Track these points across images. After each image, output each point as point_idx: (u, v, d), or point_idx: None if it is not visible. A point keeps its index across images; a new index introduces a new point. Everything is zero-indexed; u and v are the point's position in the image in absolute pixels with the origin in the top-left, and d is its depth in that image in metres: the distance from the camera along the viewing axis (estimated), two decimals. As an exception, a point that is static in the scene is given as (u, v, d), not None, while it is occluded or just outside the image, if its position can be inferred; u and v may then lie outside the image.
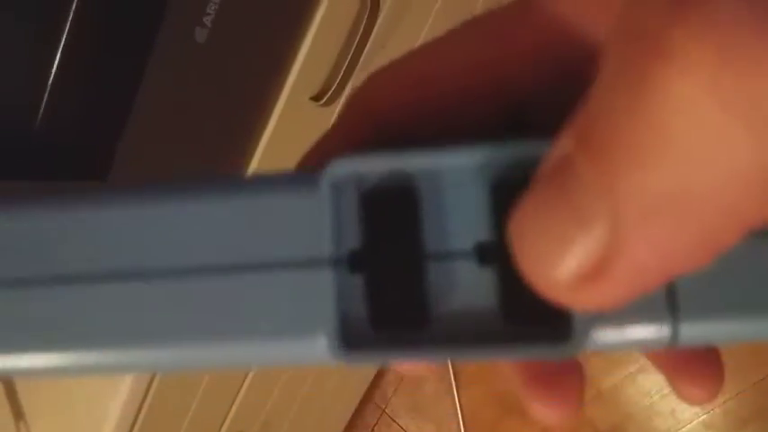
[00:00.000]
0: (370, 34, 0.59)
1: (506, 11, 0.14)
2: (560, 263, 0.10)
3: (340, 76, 0.59)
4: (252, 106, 0.55)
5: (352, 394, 1.12)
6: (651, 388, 1.01)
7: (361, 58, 0.60)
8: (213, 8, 0.50)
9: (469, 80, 0.14)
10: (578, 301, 0.10)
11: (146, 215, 0.13)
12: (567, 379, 0.18)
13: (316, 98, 0.60)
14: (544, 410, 0.17)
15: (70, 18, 0.40)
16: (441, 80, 0.14)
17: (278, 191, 0.13)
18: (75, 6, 0.40)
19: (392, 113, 0.14)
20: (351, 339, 0.12)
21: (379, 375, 1.16)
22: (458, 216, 0.12)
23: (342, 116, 0.15)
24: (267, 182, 0.13)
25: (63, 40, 0.40)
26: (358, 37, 0.59)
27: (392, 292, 0.12)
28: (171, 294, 0.12)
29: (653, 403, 1.00)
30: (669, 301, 0.12)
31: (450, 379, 1.13)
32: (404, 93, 0.14)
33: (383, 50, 0.63)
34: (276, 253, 0.12)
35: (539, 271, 0.10)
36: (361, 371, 1.09)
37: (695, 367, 0.17)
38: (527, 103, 0.14)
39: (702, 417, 0.97)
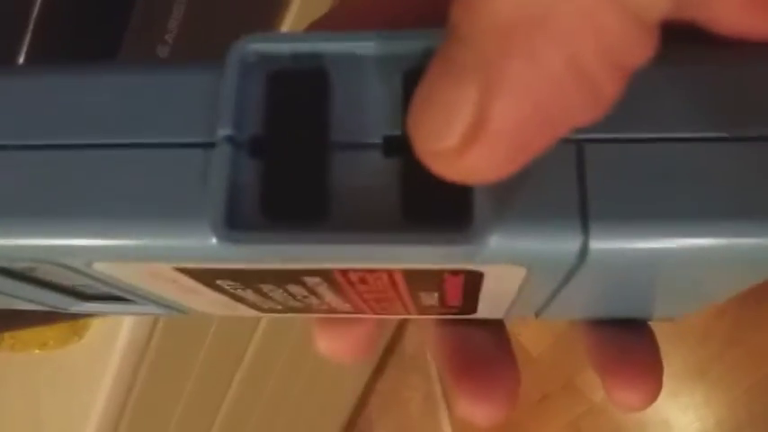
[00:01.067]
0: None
1: None
2: (443, 130, 0.10)
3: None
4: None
5: (336, 419, 1.10)
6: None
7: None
8: (175, 24, 0.49)
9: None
10: (464, 168, 0.10)
11: (32, 88, 0.12)
12: (500, 373, 0.17)
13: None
14: (470, 408, 0.16)
15: (27, 41, 0.39)
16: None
17: (184, 71, 0.12)
18: (33, 29, 0.39)
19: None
20: (239, 222, 0.11)
21: (364, 399, 1.15)
22: (368, 108, 0.12)
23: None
24: (175, 64, 0.12)
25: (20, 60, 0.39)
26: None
27: (291, 180, 0.11)
28: (38, 170, 0.12)
29: (646, 414, 0.99)
30: (580, 204, 0.11)
31: (437, 399, 1.12)
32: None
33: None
34: (170, 131, 0.12)
35: (425, 145, 0.10)
36: (344, 394, 1.08)
37: (630, 369, 0.16)
38: None
39: (695, 424, 0.96)
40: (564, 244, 0.11)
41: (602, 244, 0.11)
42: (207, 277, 0.13)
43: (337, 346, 0.18)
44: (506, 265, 0.12)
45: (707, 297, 0.15)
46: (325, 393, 0.98)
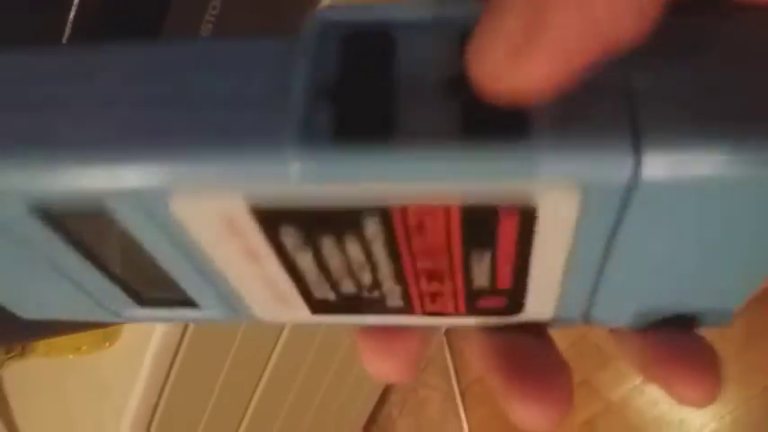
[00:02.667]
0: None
1: None
2: (493, 47, 0.11)
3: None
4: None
5: (356, 417, 1.11)
6: (659, 398, 1.00)
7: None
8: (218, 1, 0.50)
9: None
10: (513, 82, 0.11)
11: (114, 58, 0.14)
12: (554, 376, 0.17)
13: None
14: (529, 413, 0.16)
15: (70, 21, 0.39)
16: None
17: (255, 41, 0.13)
18: (76, 9, 0.39)
19: None
20: (314, 141, 0.12)
21: (384, 397, 1.16)
22: (431, 61, 0.13)
23: None
24: (248, 37, 0.13)
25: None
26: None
27: (362, 110, 0.12)
28: (121, 109, 0.13)
29: (662, 413, 1.00)
30: (631, 120, 0.11)
31: (455, 399, 1.12)
32: None
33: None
34: (244, 83, 0.13)
35: (480, 67, 0.11)
36: (365, 392, 1.09)
37: (690, 367, 0.16)
38: None
39: (711, 425, 0.97)
40: (616, 156, 0.11)
41: (655, 157, 0.11)
42: (272, 222, 0.14)
43: (384, 365, 0.17)
44: (560, 191, 0.12)
45: (753, 270, 0.15)
46: (348, 391, 0.99)
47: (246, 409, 0.74)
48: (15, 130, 0.13)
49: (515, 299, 0.16)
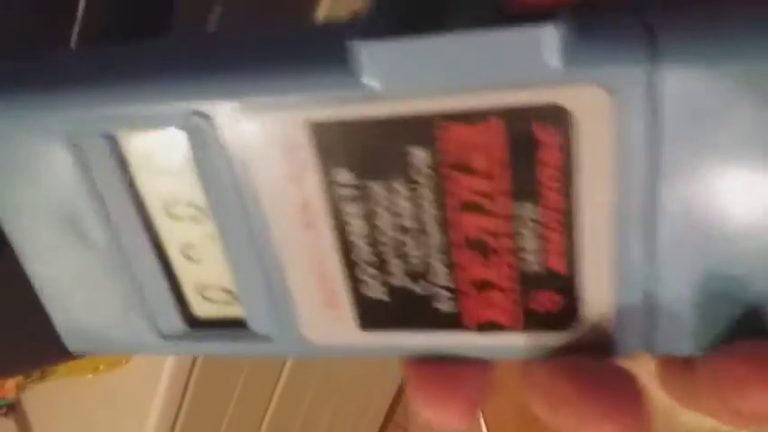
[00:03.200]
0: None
1: None
2: None
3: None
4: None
5: (375, 413, 1.12)
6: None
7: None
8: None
9: None
10: None
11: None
12: (623, 389, 0.15)
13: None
14: (608, 427, 0.14)
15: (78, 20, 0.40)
16: None
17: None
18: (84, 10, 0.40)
19: None
20: (374, 35, 0.13)
21: (399, 394, 1.17)
22: None
23: None
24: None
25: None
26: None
27: (415, 14, 0.13)
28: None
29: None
30: (645, 26, 0.12)
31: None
32: None
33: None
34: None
35: None
36: (383, 389, 1.10)
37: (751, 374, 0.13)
38: None
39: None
40: (632, 37, 0.12)
41: (670, 37, 0.12)
42: (330, 157, 0.14)
43: (444, 414, 0.16)
44: (587, 89, 0.12)
45: None
46: (365, 390, 1.00)
47: (263, 418, 0.75)
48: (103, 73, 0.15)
49: (569, 291, 0.15)
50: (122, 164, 0.16)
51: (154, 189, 0.16)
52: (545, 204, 0.14)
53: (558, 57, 0.12)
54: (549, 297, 0.15)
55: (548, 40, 0.12)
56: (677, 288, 0.14)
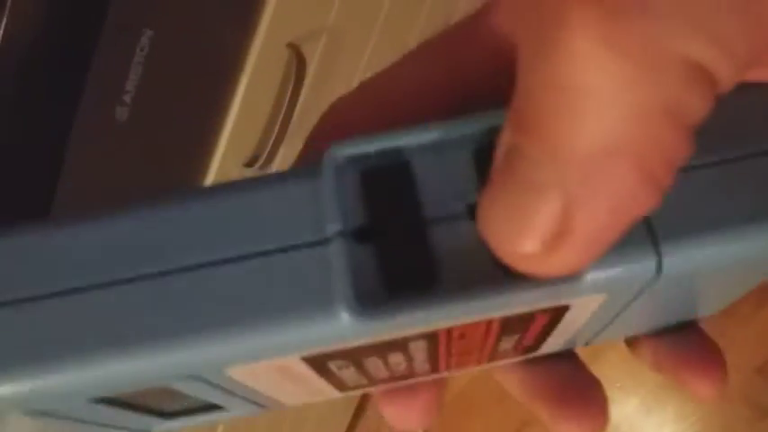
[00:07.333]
0: (300, 92, 0.58)
1: (454, 30, 0.15)
2: (524, 238, 0.11)
3: (272, 139, 0.58)
4: (183, 180, 0.53)
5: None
6: (621, 422, 1.01)
7: (293, 118, 0.59)
8: (132, 85, 0.48)
9: (424, 101, 0.15)
10: (547, 270, 0.11)
11: (138, 221, 0.13)
12: (589, 393, 0.19)
13: (249, 164, 0.59)
14: (574, 429, 0.18)
15: None
16: (397, 104, 0.15)
17: (278, 182, 0.13)
18: None
19: (358, 129, 0.14)
20: (366, 300, 0.12)
21: (354, 421, 1.14)
22: (449, 184, 0.13)
23: (309, 138, 0.16)
24: (266, 179, 0.13)
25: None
26: (288, 96, 0.58)
27: (400, 257, 0.13)
28: (173, 293, 0.13)
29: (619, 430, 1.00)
30: (648, 232, 0.13)
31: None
32: (366, 114, 0.15)
33: (316, 106, 0.63)
34: (282, 238, 0.13)
35: (508, 250, 0.11)
36: (337, 418, 1.07)
37: (699, 363, 0.18)
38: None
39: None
40: (641, 265, 0.13)
41: (672, 257, 0.13)
42: (322, 361, 0.14)
43: (407, 414, 0.19)
44: (591, 295, 0.13)
45: (734, 294, 0.18)
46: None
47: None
48: (60, 334, 0.13)
49: (532, 349, 0.18)
50: None
51: None
52: (526, 335, 0.16)
53: (573, 287, 0.13)
54: (513, 354, 0.18)
55: (565, 285, 0.12)
56: (621, 329, 0.18)
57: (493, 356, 0.18)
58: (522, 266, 0.11)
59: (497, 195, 0.11)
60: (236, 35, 0.54)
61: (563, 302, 0.13)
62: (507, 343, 0.16)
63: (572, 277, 0.12)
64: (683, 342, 0.19)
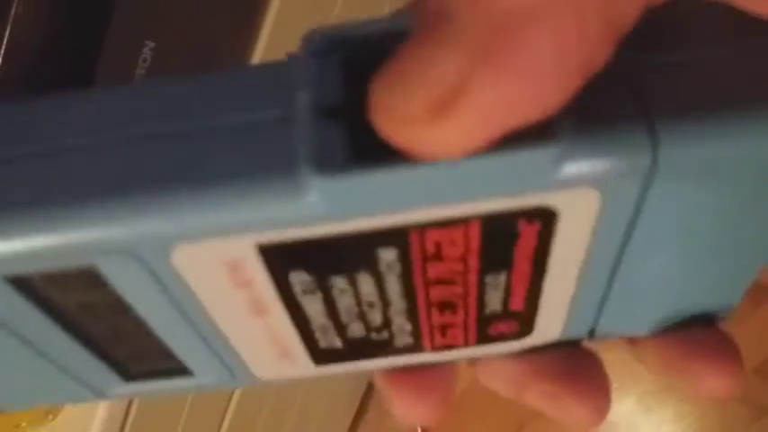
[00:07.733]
0: None
1: None
2: (410, 97, 0.10)
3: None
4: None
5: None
6: (619, 421, 1.01)
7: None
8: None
9: None
10: (431, 145, 0.10)
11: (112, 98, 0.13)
12: (589, 370, 0.17)
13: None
14: (583, 413, 0.17)
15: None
16: None
17: (262, 65, 0.13)
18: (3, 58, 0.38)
19: None
20: (329, 169, 0.11)
21: (357, 418, 1.15)
22: None
23: None
24: (251, 65, 0.13)
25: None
26: None
27: (371, 135, 0.11)
28: (126, 156, 0.12)
29: (618, 430, 1.01)
30: (645, 111, 0.12)
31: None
32: None
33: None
34: (252, 109, 0.12)
35: (391, 115, 0.10)
36: (340, 413, 1.08)
37: (712, 354, 0.17)
38: None
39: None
40: (635, 147, 0.12)
41: (671, 144, 0.12)
42: (282, 266, 0.13)
43: (416, 408, 0.17)
44: (580, 192, 0.12)
45: (754, 261, 0.15)
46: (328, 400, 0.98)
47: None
48: None
49: (527, 320, 0.16)
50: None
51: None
52: (515, 272, 0.14)
53: (558, 171, 0.11)
54: (505, 326, 0.16)
55: (548, 159, 0.11)
56: (625, 310, 0.16)
57: (482, 328, 0.16)
58: (402, 139, 0.10)
59: (399, 53, 0.10)
60: (238, 46, 0.54)
61: (548, 202, 0.12)
62: (494, 293, 0.15)
63: (550, 142, 0.11)
64: (695, 334, 0.18)
